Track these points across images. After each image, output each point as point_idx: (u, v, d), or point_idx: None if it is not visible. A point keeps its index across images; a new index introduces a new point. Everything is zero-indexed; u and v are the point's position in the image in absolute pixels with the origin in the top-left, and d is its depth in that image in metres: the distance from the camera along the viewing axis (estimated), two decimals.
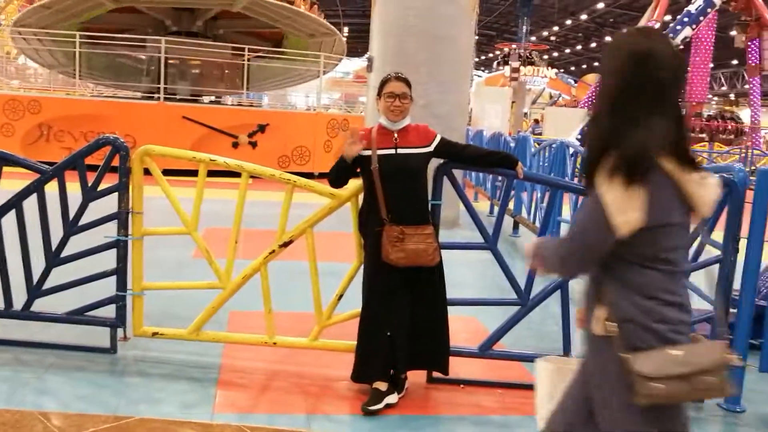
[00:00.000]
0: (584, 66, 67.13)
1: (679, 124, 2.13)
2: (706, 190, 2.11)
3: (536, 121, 35.72)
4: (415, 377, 4.32)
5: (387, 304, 4.02)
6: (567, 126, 21.59)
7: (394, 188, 3.93)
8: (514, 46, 47.01)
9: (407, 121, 4.05)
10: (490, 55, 65.90)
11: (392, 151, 3.97)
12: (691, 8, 22.35)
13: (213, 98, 19.52)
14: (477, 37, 39.96)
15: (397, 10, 9.71)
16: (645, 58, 2.09)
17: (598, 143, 2.12)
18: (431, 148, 4.07)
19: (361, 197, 4.22)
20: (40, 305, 4.62)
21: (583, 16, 50.52)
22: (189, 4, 17.48)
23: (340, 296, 4.50)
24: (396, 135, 4.01)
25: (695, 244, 4.60)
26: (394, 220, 3.90)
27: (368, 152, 3.96)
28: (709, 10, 22.41)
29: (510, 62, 44.21)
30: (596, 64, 60.35)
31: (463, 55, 10.09)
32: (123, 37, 16.83)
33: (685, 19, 22.21)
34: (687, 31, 22.19)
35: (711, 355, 2.00)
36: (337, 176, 4.10)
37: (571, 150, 8.62)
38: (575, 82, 53.67)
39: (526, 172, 4.16)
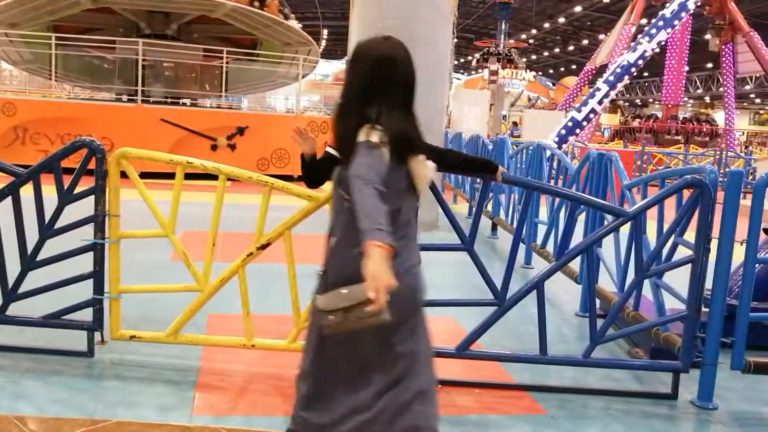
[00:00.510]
0: (562, 69, 67.62)
1: (412, 113, 2.78)
2: (425, 170, 2.75)
3: (515, 124, 35.91)
4: None
5: None
6: (545, 128, 21.74)
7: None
8: (493, 42, 47.16)
9: None
10: (469, 57, 66.12)
11: None
12: (666, 12, 22.57)
13: (191, 101, 19.46)
14: (455, 40, 40.19)
15: (375, 12, 9.73)
16: (392, 62, 2.71)
17: (352, 127, 2.67)
18: None
19: None
20: (15, 309, 4.59)
21: (561, 20, 50.85)
22: (171, 8, 17.41)
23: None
24: None
25: (668, 244, 4.67)
26: None
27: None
28: (683, 14, 22.66)
29: (489, 65, 44.38)
30: (574, 66, 60.75)
31: (441, 58, 10.13)
32: (98, 39, 16.73)
33: (660, 23, 22.42)
34: (662, 35, 22.41)
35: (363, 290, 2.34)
36: (304, 174, 4.08)
37: (548, 152, 8.69)
38: (553, 84, 54.01)
39: (503, 175, 4.19)
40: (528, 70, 52.32)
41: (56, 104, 15.75)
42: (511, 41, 53.17)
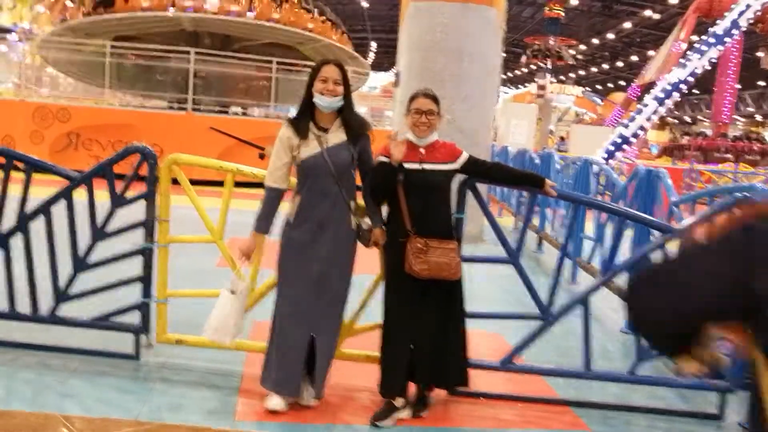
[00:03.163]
0: (610, 85, 66.90)
1: None
2: None
3: (561, 139, 35.67)
4: (437, 389, 4.33)
5: (409, 316, 4.04)
6: (592, 144, 21.53)
7: (418, 202, 3.96)
8: (551, 40, 46.63)
9: (434, 137, 4.09)
10: (517, 72, 65.86)
11: (418, 166, 4.00)
12: (718, 29, 22.24)
13: (240, 110, 19.72)
14: (504, 55, 39.98)
15: (424, 25, 9.76)
16: None
17: None
18: (457, 165, 4.10)
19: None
20: (65, 310, 4.70)
21: (610, 35, 50.39)
22: (257, 39, 17.71)
23: (363, 307, 4.53)
24: (422, 150, 4.04)
25: None
26: (419, 233, 3.93)
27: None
28: (735, 31, 22.29)
29: (537, 79, 44.13)
30: (622, 83, 60.16)
31: (489, 72, 10.11)
32: (152, 48, 17.05)
33: (711, 40, 22.11)
34: (713, 52, 22.08)
35: None
36: (377, 182, 4.07)
37: (595, 168, 8.61)
38: (601, 100, 53.49)
39: (559, 190, 4.16)
40: (576, 86, 51.92)
41: (108, 111, 16.07)
42: (561, 42, 52.84)
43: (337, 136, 4.01)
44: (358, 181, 4.13)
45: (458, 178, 4.24)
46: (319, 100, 3.96)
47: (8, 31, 32.52)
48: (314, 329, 4.03)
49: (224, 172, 4.55)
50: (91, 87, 19.86)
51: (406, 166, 3.97)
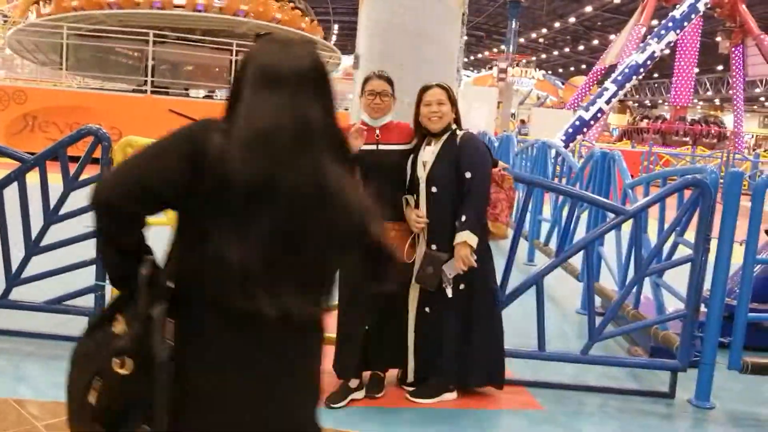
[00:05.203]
0: (572, 68, 67.41)
1: None
2: None
3: (522, 122, 35.91)
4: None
5: (363, 298, 4.06)
6: (553, 126, 21.73)
7: (372, 184, 3.96)
8: (503, 47, 47.03)
9: (388, 118, 4.10)
10: (480, 55, 66.05)
11: (374, 147, 4.01)
12: (676, 13, 22.52)
13: (205, 93, 19.55)
14: (466, 38, 39.99)
15: (383, 7, 9.68)
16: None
17: None
18: (411, 146, 4.12)
19: None
20: (18, 294, 4.65)
21: (572, 19, 50.71)
22: (190, 26, 17.51)
23: None
24: (378, 132, 4.06)
25: (669, 244, 4.68)
26: None
27: None
28: (693, 15, 22.59)
29: (497, 63, 44.32)
30: (584, 66, 60.63)
31: (449, 55, 10.10)
32: (110, 30, 16.82)
33: (670, 24, 22.37)
34: (671, 36, 22.35)
35: None
36: None
37: (553, 150, 8.70)
38: (563, 84, 53.91)
39: (507, 171, 4.19)
40: (537, 69, 52.24)
41: (66, 93, 15.83)
42: (521, 40, 53.11)
43: None
44: None
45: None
46: None
47: None
48: None
49: None
50: (50, 69, 19.60)
51: (362, 147, 3.98)
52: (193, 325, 1.67)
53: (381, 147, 4.03)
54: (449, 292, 3.96)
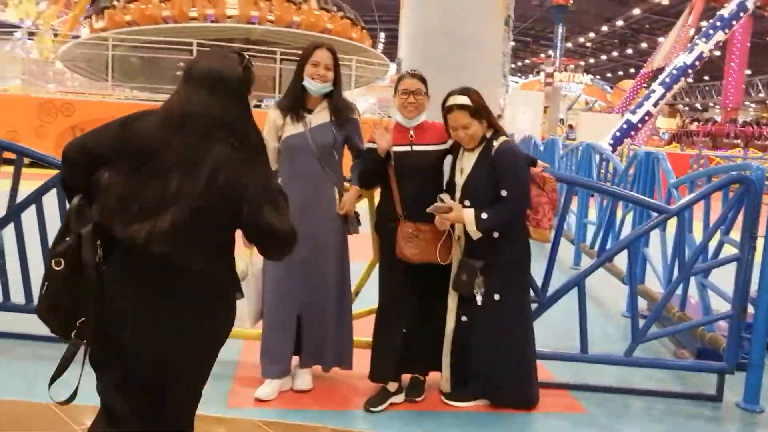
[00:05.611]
0: (620, 72, 66.59)
1: None
2: None
3: (570, 127, 35.56)
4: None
5: (401, 301, 4.04)
6: (601, 130, 21.44)
7: (410, 185, 3.95)
8: (550, 53, 46.70)
9: (422, 117, 4.06)
10: (527, 61, 65.61)
11: (408, 148, 3.99)
12: (724, 12, 22.05)
13: (254, 103, 19.78)
14: (512, 43, 39.79)
15: (425, 12, 9.70)
16: None
17: None
18: (447, 146, 4.08)
19: (377, 195, 4.25)
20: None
21: (619, 22, 50.11)
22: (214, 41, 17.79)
23: (357, 293, 4.54)
24: (412, 132, 4.03)
25: (714, 242, 4.58)
26: (410, 217, 3.93)
27: None
28: (742, 14, 22.08)
29: (544, 68, 44.00)
30: (632, 70, 59.83)
31: (493, 59, 10.05)
32: (154, 40, 17.12)
33: (718, 23, 21.92)
34: (720, 36, 21.87)
35: None
36: (365, 168, 4.05)
37: (598, 153, 8.59)
38: (611, 88, 53.26)
39: (551, 171, 4.13)
40: (585, 74, 51.71)
41: (113, 105, 16.13)
42: (568, 45, 52.65)
43: (321, 116, 4.01)
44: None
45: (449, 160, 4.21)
46: (309, 84, 3.96)
47: (14, 27, 32.67)
48: (301, 310, 4.05)
49: None
50: (98, 83, 20.01)
51: (396, 149, 3.96)
52: (109, 256, 2.25)
53: (415, 148, 4.00)
54: (479, 300, 3.91)
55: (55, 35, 27.91)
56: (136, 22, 17.63)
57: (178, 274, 2.25)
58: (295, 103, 4.01)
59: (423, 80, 4.02)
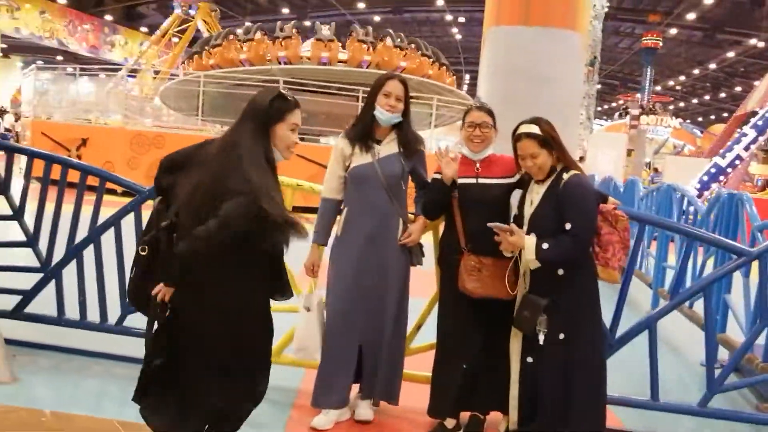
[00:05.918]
0: (712, 116, 64.86)
1: None
2: None
3: (656, 170, 34.69)
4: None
5: (462, 337, 3.95)
6: (687, 174, 20.82)
7: (473, 218, 3.88)
8: (638, 95, 45.94)
9: (489, 150, 4.01)
10: (613, 104, 64.71)
11: (473, 181, 3.93)
12: None
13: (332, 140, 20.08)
14: (599, 86, 39.31)
15: (504, 51, 9.66)
16: None
17: None
18: (514, 179, 3.99)
19: (441, 228, 4.20)
20: (132, 321, 4.81)
21: (712, 65, 48.96)
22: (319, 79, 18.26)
23: (419, 327, 4.47)
24: (478, 165, 3.97)
25: None
26: (473, 250, 3.85)
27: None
28: None
29: (629, 110, 43.26)
30: (725, 114, 58.24)
31: (572, 98, 9.91)
32: (242, 78, 17.62)
33: None
34: None
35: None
36: (430, 199, 4.02)
37: (678, 193, 8.31)
38: (701, 132, 51.89)
39: (624, 209, 3.95)
40: (674, 117, 50.54)
41: (201, 137, 16.55)
42: (657, 88, 51.68)
43: (389, 147, 4.01)
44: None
45: (517, 194, 4.10)
46: (380, 113, 3.97)
47: (119, 65, 34.27)
48: (361, 339, 4.01)
49: (284, 187, 4.58)
50: (190, 118, 20.77)
51: (461, 181, 3.91)
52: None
53: (480, 180, 3.94)
54: (541, 339, 3.73)
55: (156, 73, 29.12)
56: (219, 64, 18.44)
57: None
58: (364, 133, 4.02)
59: (490, 113, 3.97)
